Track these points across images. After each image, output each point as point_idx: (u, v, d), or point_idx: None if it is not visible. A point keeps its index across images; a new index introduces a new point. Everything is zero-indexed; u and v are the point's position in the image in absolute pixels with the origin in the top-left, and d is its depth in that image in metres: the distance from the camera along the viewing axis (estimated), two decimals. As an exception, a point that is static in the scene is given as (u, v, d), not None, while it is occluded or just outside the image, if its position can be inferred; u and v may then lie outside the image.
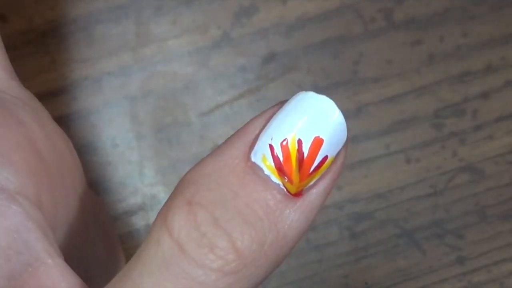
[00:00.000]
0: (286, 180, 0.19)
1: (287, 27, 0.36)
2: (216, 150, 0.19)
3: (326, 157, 0.19)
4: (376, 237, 0.38)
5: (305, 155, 0.19)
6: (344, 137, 0.19)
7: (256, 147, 0.19)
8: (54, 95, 0.35)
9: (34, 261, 0.20)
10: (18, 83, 0.25)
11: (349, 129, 0.36)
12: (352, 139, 0.37)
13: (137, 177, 0.36)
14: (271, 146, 0.19)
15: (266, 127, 0.19)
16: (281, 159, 0.19)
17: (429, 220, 0.38)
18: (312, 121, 0.19)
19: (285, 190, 0.19)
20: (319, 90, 0.36)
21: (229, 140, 0.19)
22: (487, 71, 0.38)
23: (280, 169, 0.19)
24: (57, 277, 0.20)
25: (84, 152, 0.35)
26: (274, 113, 0.19)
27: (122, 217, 0.36)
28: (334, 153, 0.19)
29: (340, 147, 0.19)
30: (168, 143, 0.36)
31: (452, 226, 0.38)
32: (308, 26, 0.36)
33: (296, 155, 0.19)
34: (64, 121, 0.35)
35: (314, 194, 0.19)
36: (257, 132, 0.19)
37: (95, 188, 0.36)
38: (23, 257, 0.20)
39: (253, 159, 0.19)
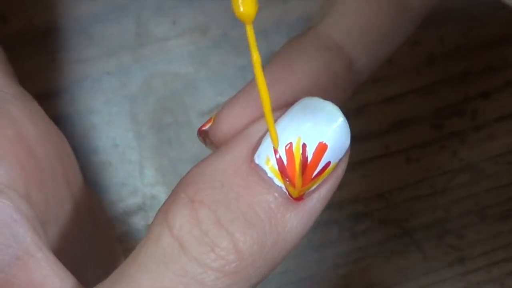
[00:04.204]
0: (289, 183, 0.19)
1: (287, 27, 0.36)
2: (220, 150, 0.19)
3: (329, 163, 0.19)
4: (376, 237, 0.38)
5: (309, 159, 0.19)
6: (347, 144, 0.19)
7: (260, 149, 0.19)
8: (54, 95, 0.35)
9: (23, 254, 0.20)
10: (13, 80, 0.25)
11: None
12: (352, 139, 0.37)
13: (137, 177, 0.36)
14: (275, 149, 0.19)
15: None
16: (285, 162, 0.19)
17: (429, 220, 0.38)
18: (317, 126, 0.19)
19: (287, 193, 0.19)
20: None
21: (233, 141, 0.19)
22: (487, 71, 0.38)
23: (283, 172, 0.19)
24: (47, 270, 0.20)
25: (84, 152, 0.35)
26: (278, 117, 0.19)
27: (122, 217, 0.36)
28: (337, 160, 0.19)
29: (342, 153, 0.19)
30: (168, 143, 0.36)
31: (452, 226, 0.38)
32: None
33: (300, 159, 0.19)
34: (64, 121, 0.35)
35: (315, 199, 0.19)
36: (261, 134, 0.19)
37: (95, 188, 0.36)
38: (12, 250, 0.20)
39: (256, 161, 0.19)
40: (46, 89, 0.35)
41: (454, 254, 0.38)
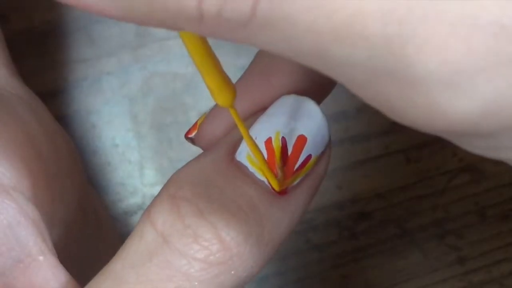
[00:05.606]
0: (271, 177, 0.19)
1: (287, 27, 0.36)
2: (202, 153, 0.20)
3: (310, 156, 0.19)
4: (376, 237, 0.38)
5: (289, 152, 0.19)
6: (326, 138, 0.19)
7: (240, 147, 0.19)
8: (54, 95, 0.35)
9: (25, 257, 0.20)
10: (19, 80, 0.25)
11: (349, 129, 0.36)
12: (352, 139, 0.37)
13: (137, 177, 0.36)
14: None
15: (250, 129, 0.19)
16: (265, 156, 0.19)
17: (429, 220, 0.38)
18: (295, 120, 0.19)
19: (270, 187, 0.19)
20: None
21: (215, 144, 0.20)
22: (487, 71, 0.37)
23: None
24: (48, 274, 0.20)
25: (84, 152, 0.35)
26: (257, 117, 0.19)
27: (122, 217, 0.36)
28: (318, 153, 0.19)
29: (323, 147, 0.19)
30: (168, 143, 0.36)
31: (452, 226, 0.38)
32: (308, 26, 0.36)
33: (280, 152, 0.19)
34: (64, 121, 0.35)
35: (299, 194, 0.19)
36: (241, 135, 0.19)
37: (95, 188, 0.36)
38: (14, 253, 0.20)
39: (237, 159, 0.19)
40: (46, 89, 0.35)
41: (454, 254, 0.38)
